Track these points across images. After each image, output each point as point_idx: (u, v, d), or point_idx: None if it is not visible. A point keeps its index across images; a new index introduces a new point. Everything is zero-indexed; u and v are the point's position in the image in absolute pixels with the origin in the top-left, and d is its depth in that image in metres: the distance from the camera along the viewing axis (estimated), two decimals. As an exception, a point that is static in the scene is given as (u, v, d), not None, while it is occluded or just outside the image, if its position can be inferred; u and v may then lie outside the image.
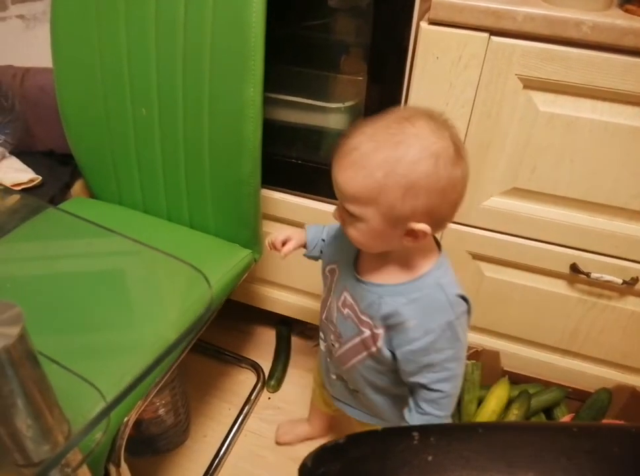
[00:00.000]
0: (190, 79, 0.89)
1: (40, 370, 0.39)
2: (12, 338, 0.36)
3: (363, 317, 0.71)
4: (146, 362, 0.49)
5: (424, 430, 0.40)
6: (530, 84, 0.84)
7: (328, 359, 0.85)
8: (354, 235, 0.65)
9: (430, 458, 0.37)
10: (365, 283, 0.71)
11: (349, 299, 0.73)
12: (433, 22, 0.84)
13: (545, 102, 0.86)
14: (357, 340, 0.73)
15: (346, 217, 0.65)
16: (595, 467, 0.36)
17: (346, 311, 0.74)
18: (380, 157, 0.58)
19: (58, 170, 1.11)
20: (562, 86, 0.83)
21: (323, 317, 0.81)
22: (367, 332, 0.71)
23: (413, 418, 0.71)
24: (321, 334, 0.84)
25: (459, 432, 0.41)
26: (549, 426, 0.45)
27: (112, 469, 0.72)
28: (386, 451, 0.39)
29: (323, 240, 0.83)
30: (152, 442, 1.07)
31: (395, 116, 0.62)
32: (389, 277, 0.69)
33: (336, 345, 0.79)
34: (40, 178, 1.06)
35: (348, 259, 0.75)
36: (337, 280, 0.76)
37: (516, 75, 0.84)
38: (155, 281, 0.74)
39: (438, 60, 0.87)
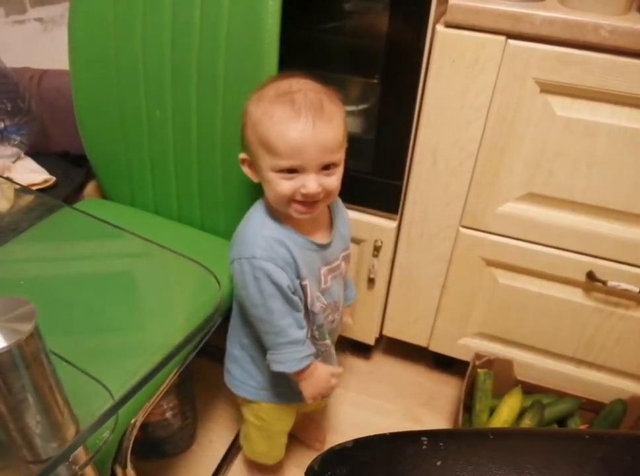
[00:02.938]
0: (204, 82, 0.89)
1: (51, 367, 0.39)
2: (24, 334, 0.36)
3: (344, 260, 0.85)
4: (155, 363, 0.49)
5: (434, 435, 0.39)
6: (547, 88, 0.84)
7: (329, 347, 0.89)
8: (336, 185, 0.73)
9: (439, 463, 0.37)
10: (329, 243, 0.80)
11: (335, 265, 0.82)
12: (449, 25, 0.84)
13: (563, 107, 0.85)
14: (342, 284, 0.86)
15: (329, 173, 0.71)
16: (606, 474, 0.35)
17: (337, 274, 0.83)
18: (331, 106, 0.70)
19: (72, 171, 1.11)
20: (580, 90, 0.82)
21: (321, 320, 0.83)
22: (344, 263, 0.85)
23: None
24: (318, 351, 0.85)
25: (469, 438, 0.40)
26: (561, 432, 0.44)
27: (119, 470, 0.71)
28: (394, 455, 0.39)
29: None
30: (158, 445, 1.06)
31: (290, 79, 0.72)
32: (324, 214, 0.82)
33: (336, 316, 0.86)
34: (54, 178, 1.06)
35: (309, 255, 0.78)
36: (314, 278, 0.80)
37: (533, 78, 0.83)
38: (166, 283, 0.74)
39: (454, 63, 0.86)
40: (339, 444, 0.41)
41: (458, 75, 0.87)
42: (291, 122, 0.67)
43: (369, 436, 0.41)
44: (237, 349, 0.87)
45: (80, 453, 0.44)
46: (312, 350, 0.79)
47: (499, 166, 0.92)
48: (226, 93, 0.87)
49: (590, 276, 0.96)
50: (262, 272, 0.72)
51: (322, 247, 0.79)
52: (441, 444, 0.38)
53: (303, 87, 0.69)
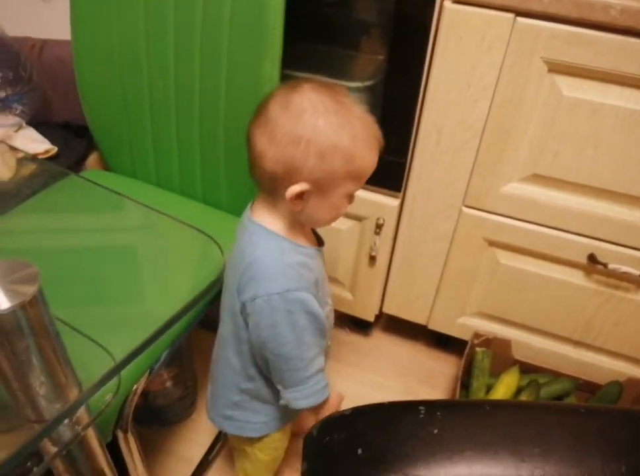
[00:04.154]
0: (208, 53, 0.88)
1: (54, 329, 0.39)
2: (28, 296, 0.36)
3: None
4: (156, 328, 0.49)
5: (431, 404, 0.40)
6: (555, 67, 0.83)
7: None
8: None
9: (435, 431, 0.37)
10: (321, 247, 0.78)
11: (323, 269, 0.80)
12: (457, 2, 0.83)
13: (570, 87, 0.84)
14: None
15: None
16: (601, 446, 0.36)
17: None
18: None
19: (74, 141, 1.11)
20: (589, 71, 0.81)
21: (330, 322, 0.82)
22: None
23: None
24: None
25: (466, 408, 0.41)
26: (557, 405, 0.45)
27: (120, 434, 0.73)
28: (392, 423, 0.39)
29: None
30: (159, 413, 1.08)
31: (345, 99, 0.67)
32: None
33: (331, 316, 0.83)
34: (56, 149, 1.06)
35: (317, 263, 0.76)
36: (324, 284, 0.79)
37: (541, 58, 0.82)
38: (169, 254, 0.74)
39: (461, 40, 0.85)
40: (338, 412, 0.42)
41: (465, 53, 0.86)
42: (375, 149, 0.68)
43: (368, 405, 0.41)
44: (235, 394, 0.81)
45: (83, 415, 0.44)
46: (325, 376, 0.77)
47: (504, 147, 0.91)
48: (230, 65, 0.86)
49: (591, 258, 0.96)
50: (298, 304, 0.68)
51: (321, 247, 0.78)
52: (438, 413, 0.39)
53: (362, 110, 0.68)
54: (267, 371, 0.76)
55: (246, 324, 0.72)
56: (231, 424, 0.84)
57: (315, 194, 0.67)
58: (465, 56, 0.86)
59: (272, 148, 0.64)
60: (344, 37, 1.00)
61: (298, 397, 0.74)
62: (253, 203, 0.75)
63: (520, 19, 0.80)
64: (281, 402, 0.76)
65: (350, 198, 0.71)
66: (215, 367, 0.83)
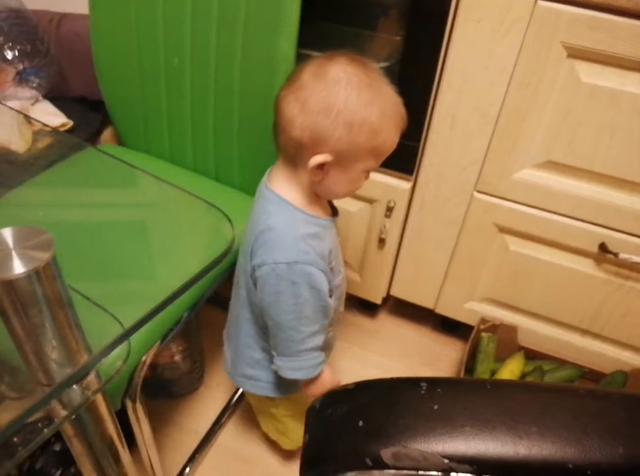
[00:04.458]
0: (224, 30, 0.87)
1: (67, 295, 0.40)
2: (42, 261, 0.37)
3: None
4: (165, 296, 0.50)
5: (433, 381, 0.40)
6: (575, 53, 0.81)
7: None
8: None
9: (435, 407, 0.38)
10: (335, 217, 0.79)
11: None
12: (477, -18, 0.82)
13: (589, 73, 0.82)
14: None
15: None
16: (598, 427, 0.36)
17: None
18: None
19: (89, 116, 1.12)
20: (609, 57, 0.80)
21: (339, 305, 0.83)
22: None
23: None
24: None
25: (467, 386, 0.42)
26: (557, 387, 0.45)
27: (129, 403, 0.74)
28: (393, 397, 0.40)
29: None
30: (167, 386, 1.10)
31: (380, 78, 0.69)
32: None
33: (343, 284, 0.85)
34: (72, 123, 1.07)
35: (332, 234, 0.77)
36: (338, 253, 0.80)
37: (561, 42, 0.81)
38: (181, 230, 0.75)
39: (479, 24, 0.84)
40: (341, 386, 0.42)
41: (483, 36, 0.84)
42: (399, 128, 0.69)
43: (371, 380, 0.42)
44: (256, 352, 0.83)
45: (93, 381, 0.46)
46: (324, 356, 0.79)
47: (519, 132, 0.91)
48: (245, 42, 0.86)
49: (602, 247, 0.95)
50: (303, 276, 0.69)
51: (336, 217, 0.79)
52: (439, 390, 0.39)
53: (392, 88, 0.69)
54: (268, 333, 0.78)
55: (255, 286, 0.74)
56: (253, 383, 0.86)
57: (335, 165, 0.68)
58: (483, 39, 0.85)
59: (302, 115, 0.65)
60: (361, 16, 0.99)
61: (287, 367, 0.76)
62: (271, 170, 0.76)
63: (541, 2, 0.79)
64: (272, 367, 0.78)
65: (367, 174, 0.72)
66: (235, 327, 0.85)
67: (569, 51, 0.81)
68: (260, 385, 0.86)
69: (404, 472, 0.36)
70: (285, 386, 0.86)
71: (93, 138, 1.09)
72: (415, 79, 0.93)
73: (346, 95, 0.64)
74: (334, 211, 0.79)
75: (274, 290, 0.70)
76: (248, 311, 0.80)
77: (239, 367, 0.86)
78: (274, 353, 0.77)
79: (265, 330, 0.79)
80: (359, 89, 0.64)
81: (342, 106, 0.64)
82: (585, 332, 1.09)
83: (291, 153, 0.69)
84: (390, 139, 0.69)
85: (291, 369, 0.76)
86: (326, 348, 0.80)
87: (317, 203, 0.73)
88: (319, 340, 0.76)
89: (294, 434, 0.97)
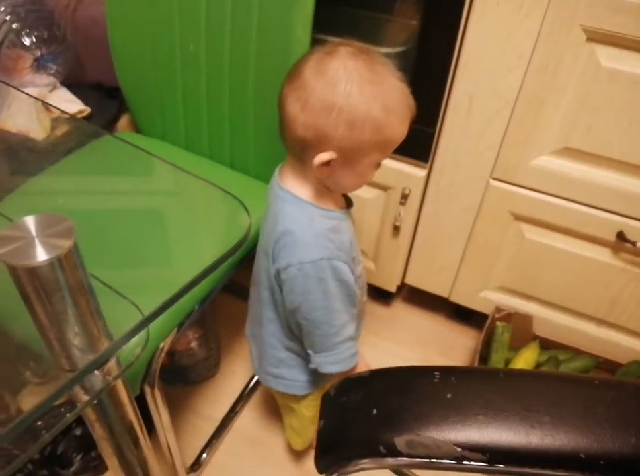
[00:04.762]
0: (239, 16, 0.87)
1: (88, 282, 0.41)
2: (64, 249, 0.37)
3: None
4: (182, 285, 0.50)
5: (446, 370, 0.41)
6: (595, 36, 0.80)
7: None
8: None
9: (449, 396, 0.38)
10: (349, 208, 0.78)
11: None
12: (497, -35, 0.80)
13: (609, 57, 0.81)
14: None
15: None
16: (612, 417, 0.36)
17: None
18: None
19: (106, 103, 1.12)
20: (630, 41, 0.78)
21: (363, 281, 0.84)
22: None
23: None
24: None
25: (480, 375, 0.42)
26: (571, 376, 0.45)
27: (147, 389, 0.76)
28: (407, 386, 0.40)
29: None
30: (184, 373, 1.11)
31: (384, 68, 0.67)
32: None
33: (364, 273, 0.85)
34: (89, 110, 1.07)
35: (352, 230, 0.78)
36: (356, 244, 0.79)
37: (580, 26, 0.79)
38: (198, 219, 0.75)
39: (498, 6, 0.82)
40: (356, 373, 0.43)
41: (502, 19, 0.83)
42: (407, 120, 0.68)
43: (385, 368, 0.42)
44: (281, 351, 0.84)
45: (113, 367, 0.47)
46: (357, 346, 0.79)
47: (536, 118, 0.89)
48: (260, 27, 0.86)
49: (620, 236, 0.94)
50: (329, 272, 0.70)
51: (350, 208, 0.78)
52: (452, 379, 0.40)
53: (400, 78, 0.67)
54: (300, 336, 0.78)
55: (280, 288, 0.74)
56: (278, 382, 0.87)
57: (341, 162, 0.67)
58: (501, 23, 0.83)
59: (304, 114, 0.64)
60: (377, 0, 0.98)
61: (327, 362, 0.76)
62: (282, 167, 0.75)
63: (561, -15, 0.78)
64: (311, 366, 0.78)
65: (377, 165, 0.71)
66: (258, 326, 0.86)
67: (589, 34, 0.80)
68: (285, 383, 0.87)
69: (418, 460, 0.36)
70: (310, 384, 0.87)
71: (110, 125, 1.10)
72: (432, 63, 0.92)
73: (346, 93, 0.62)
74: (348, 203, 0.79)
75: (303, 290, 0.71)
76: (271, 310, 0.80)
77: (264, 365, 0.87)
78: (310, 351, 0.77)
79: (290, 330, 0.80)
80: (360, 85, 0.63)
81: (343, 104, 0.62)
82: (601, 321, 1.08)
83: (297, 150, 0.69)
84: (397, 131, 0.67)
85: (331, 364, 0.76)
86: (355, 338, 0.80)
87: (329, 196, 0.73)
88: (350, 329, 0.76)
89: (307, 433, 0.99)
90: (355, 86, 0.62)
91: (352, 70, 0.63)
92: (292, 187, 0.72)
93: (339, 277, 0.71)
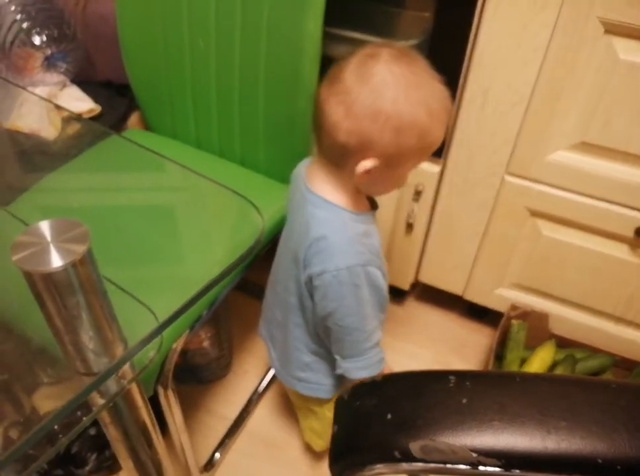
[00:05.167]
0: (249, 11, 0.86)
1: (102, 286, 0.41)
2: (79, 254, 0.37)
3: None
4: (197, 290, 0.50)
5: (461, 374, 0.40)
6: (612, 29, 0.78)
7: None
8: None
9: (464, 401, 0.38)
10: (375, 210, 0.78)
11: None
12: (512, -44, 0.78)
13: (628, 50, 0.79)
14: None
15: None
16: (629, 422, 0.35)
17: None
18: None
19: (116, 101, 1.12)
20: (649, 32, 0.77)
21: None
22: None
23: None
24: None
25: (496, 379, 0.41)
26: (587, 380, 0.45)
27: (161, 390, 0.76)
28: (421, 390, 0.40)
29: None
30: (197, 372, 1.12)
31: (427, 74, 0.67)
32: None
33: (387, 275, 0.83)
34: (100, 108, 1.07)
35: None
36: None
37: (598, 18, 0.77)
38: (209, 217, 0.75)
39: (514, -2, 0.81)
40: (369, 378, 0.42)
41: (517, 11, 0.81)
42: (445, 123, 0.67)
43: (399, 372, 0.42)
44: (306, 355, 0.83)
45: (127, 370, 0.46)
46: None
47: (552, 112, 0.88)
48: (271, 22, 0.85)
49: (638, 232, 0.93)
50: (364, 277, 0.69)
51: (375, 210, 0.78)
52: (467, 383, 0.39)
53: (438, 80, 0.66)
54: (327, 341, 0.78)
55: (310, 294, 0.74)
56: (304, 385, 0.87)
57: (383, 167, 0.66)
58: (517, 15, 0.82)
59: (347, 120, 0.63)
60: (389, -7, 0.96)
61: (357, 367, 0.75)
62: (309, 170, 0.74)
63: (578, -24, 0.76)
64: (338, 371, 0.78)
65: (412, 169, 0.71)
66: (282, 331, 0.85)
67: (606, 27, 0.78)
68: (311, 387, 0.87)
69: (433, 465, 0.36)
70: (335, 387, 0.87)
71: (120, 123, 1.10)
72: (445, 56, 0.90)
73: (393, 99, 0.61)
74: (372, 205, 0.78)
75: (337, 296, 0.70)
76: (299, 316, 0.79)
77: (289, 369, 0.87)
78: (337, 357, 0.77)
79: (316, 335, 0.79)
80: (406, 91, 0.62)
81: (391, 111, 0.62)
82: (618, 319, 1.06)
83: (335, 156, 0.68)
84: (438, 135, 0.67)
85: (360, 369, 0.76)
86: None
87: (359, 199, 0.73)
88: (379, 334, 0.76)
89: (328, 434, 0.98)
90: (402, 92, 0.62)
91: (398, 75, 0.62)
92: (323, 191, 0.71)
93: (372, 283, 0.70)
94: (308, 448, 1.06)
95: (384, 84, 0.61)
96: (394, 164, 0.67)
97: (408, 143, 0.64)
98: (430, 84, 0.64)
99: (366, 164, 0.65)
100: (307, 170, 0.74)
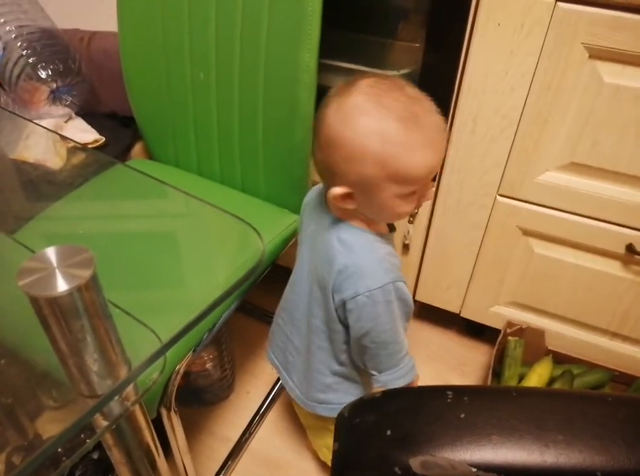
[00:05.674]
0: (247, 44, 0.90)
1: (107, 310, 0.42)
2: (84, 279, 0.38)
3: None
4: (199, 312, 0.52)
5: (459, 390, 0.41)
6: (596, 53, 0.81)
7: None
8: None
9: (462, 415, 0.38)
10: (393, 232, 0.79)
11: None
12: (496, -13, 0.82)
13: (612, 74, 0.82)
14: None
15: None
16: (626, 435, 0.36)
17: None
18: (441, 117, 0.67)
19: (120, 131, 1.15)
20: (631, 56, 0.79)
21: None
22: None
23: None
24: None
25: (493, 394, 0.41)
26: (584, 394, 0.45)
27: (164, 411, 0.77)
28: (420, 406, 0.40)
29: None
30: (199, 394, 1.12)
31: (398, 94, 0.65)
32: None
33: None
34: (104, 139, 1.10)
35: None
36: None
37: (582, 43, 0.81)
38: (210, 242, 0.76)
39: (500, 27, 0.84)
40: (369, 394, 0.43)
41: (503, 39, 0.85)
42: (427, 149, 0.63)
43: (398, 388, 0.43)
44: (328, 377, 0.83)
45: (131, 392, 0.48)
46: None
47: (541, 135, 0.90)
48: (268, 56, 0.88)
49: (630, 248, 0.94)
50: (394, 294, 0.70)
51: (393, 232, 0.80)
52: (465, 398, 0.39)
53: (421, 106, 0.64)
54: (359, 360, 0.78)
55: (339, 318, 0.74)
56: (324, 407, 0.87)
57: (360, 194, 0.67)
58: (503, 43, 0.85)
59: (318, 150, 0.67)
60: (380, 24, 1.00)
61: (395, 378, 0.76)
62: (325, 196, 0.74)
63: (561, 4, 0.79)
64: (376, 385, 0.78)
65: (408, 197, 0.67)
66: (301, 355, 0.86)
67: (591, 52, 0.81)
68: (331, 408, 0.87)
69: None
70: None
71: (124, 153, 1.12)
72: (436, 84, 0.93)
73: (342, 129, 0.63)
74: (390, 227, 0.79)
75: (372, 316, 0.71)
76: (324, 339, 0.80)
77: (310, 393, 0.87)
78: (374, 372, 0.77)
79: (339, 355, 0.80)
80: (359, 120, 0.62)
81: (341, 141, 0.63)
82: (614, 334, 1.07)
83: (325, 183, 0.72)
84: (411, 164, 0.63)
85: (398, 379, 0.76)
86: None
87: (375, 222, 0.73)
88: (407, 342, 0.78)
89: None
90: (355, 121, 0.62)
91: (357, 106, 0.62)
92: (343, 215, 0.72)
93: (401, 297, 0.72)
94: (310, 469, 1.06)
95: (346, 115, 0.63)
96: (368, 192, 0.66)
97: (368, 172, 0.63)
98: (394, 113, 0.61)
99: (336, 190, 0.66)
100: (321, 196, 0.76)
